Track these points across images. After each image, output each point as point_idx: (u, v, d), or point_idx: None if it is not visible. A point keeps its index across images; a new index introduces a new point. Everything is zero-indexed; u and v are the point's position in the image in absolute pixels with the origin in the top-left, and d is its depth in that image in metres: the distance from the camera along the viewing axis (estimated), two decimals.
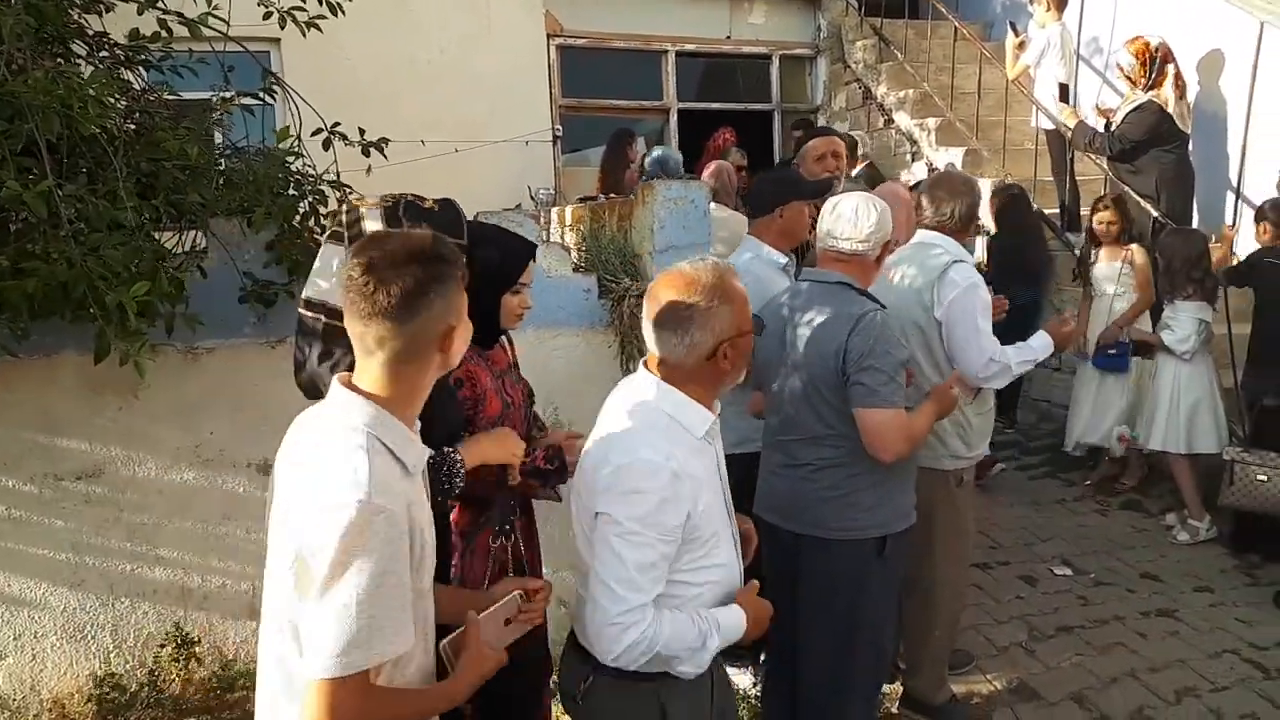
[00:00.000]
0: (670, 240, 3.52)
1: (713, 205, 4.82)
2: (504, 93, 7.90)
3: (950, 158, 7.40)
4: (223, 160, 3.32)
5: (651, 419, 1.87)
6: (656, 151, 7.26)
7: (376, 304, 1.47)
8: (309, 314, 2.07)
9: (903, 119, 8.02)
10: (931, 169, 7.61)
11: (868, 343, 2.52)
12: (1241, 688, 3.45)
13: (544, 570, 2.88)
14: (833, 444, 2.62)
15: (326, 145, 3.72)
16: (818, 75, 9.18)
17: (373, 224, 2.02)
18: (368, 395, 1.55)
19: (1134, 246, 5.27)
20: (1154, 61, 5.52)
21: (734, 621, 1.93)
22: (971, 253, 3.45)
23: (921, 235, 3.29)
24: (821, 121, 9.06)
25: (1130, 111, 5.57)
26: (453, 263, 1.57)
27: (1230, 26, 6.21)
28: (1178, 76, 5.53)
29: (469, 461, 2.12)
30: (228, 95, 3.56)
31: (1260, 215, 4.86)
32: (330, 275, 2.05)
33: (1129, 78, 5.63)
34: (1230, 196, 6.29)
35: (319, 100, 7.55)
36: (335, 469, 1.46)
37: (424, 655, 1.67)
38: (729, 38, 8.82)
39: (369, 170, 6.76)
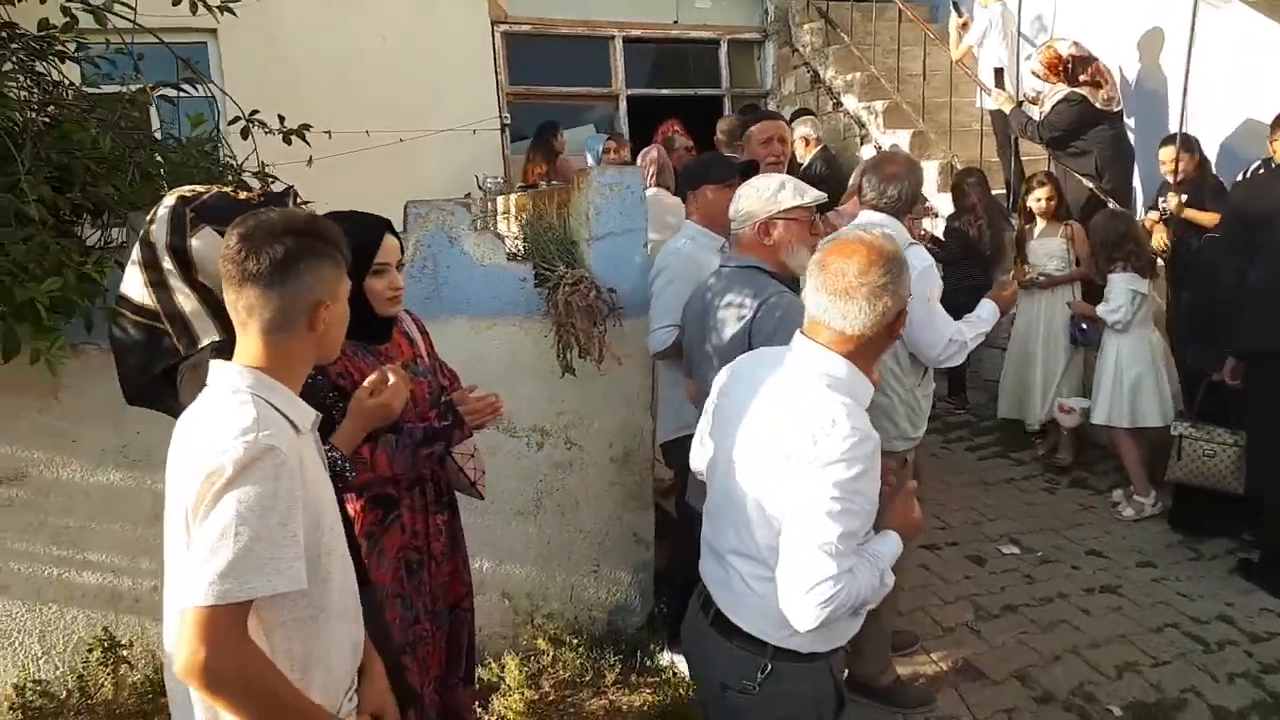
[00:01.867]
0: (607, 227, 3.48)
1: (657, 190, 4.81)
2: (450, 81, 7.81)
3: (898, 140, 7.41)
4: (141, 152, 3.21)
5: (841, 387, 1.84)
6: (595, 141, 7.24)
7: (246, 270, 1.51)
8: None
9: (851, 102, 8.03)
10: (880, 151, 7.63)
11: (770, 326, 2.51)
12: (1182, 661, 3.49)
13: (476, 566, 2.84)
14: None
15: (245, 134, 3.60)
16: (766, 59, 9.16)
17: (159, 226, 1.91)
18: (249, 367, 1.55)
19: (1073, 223, 5.33)
20: (1067, 69, 5.57)
21: (893, 547, 1.93)
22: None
23: (865, 216, 3.27)
24: (771, 106, 9.05)
25: (1058, 102, 5.62)
26: (329, 241, 1.59)
27: (1169, 4, 6.26)
28: (1095, 72, 5.58)
29: (346, 444, 2.06)
30: (144, 87, 3.43)
31: (1187, 147, 5.04)
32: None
33: (1046, 81, 5.70)
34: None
35: (259, 92, 7.39)
36: (221, 421, 1.45)
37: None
38: (676, 23, 8.78)
39: (310, 161, 6.65)
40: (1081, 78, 5.58)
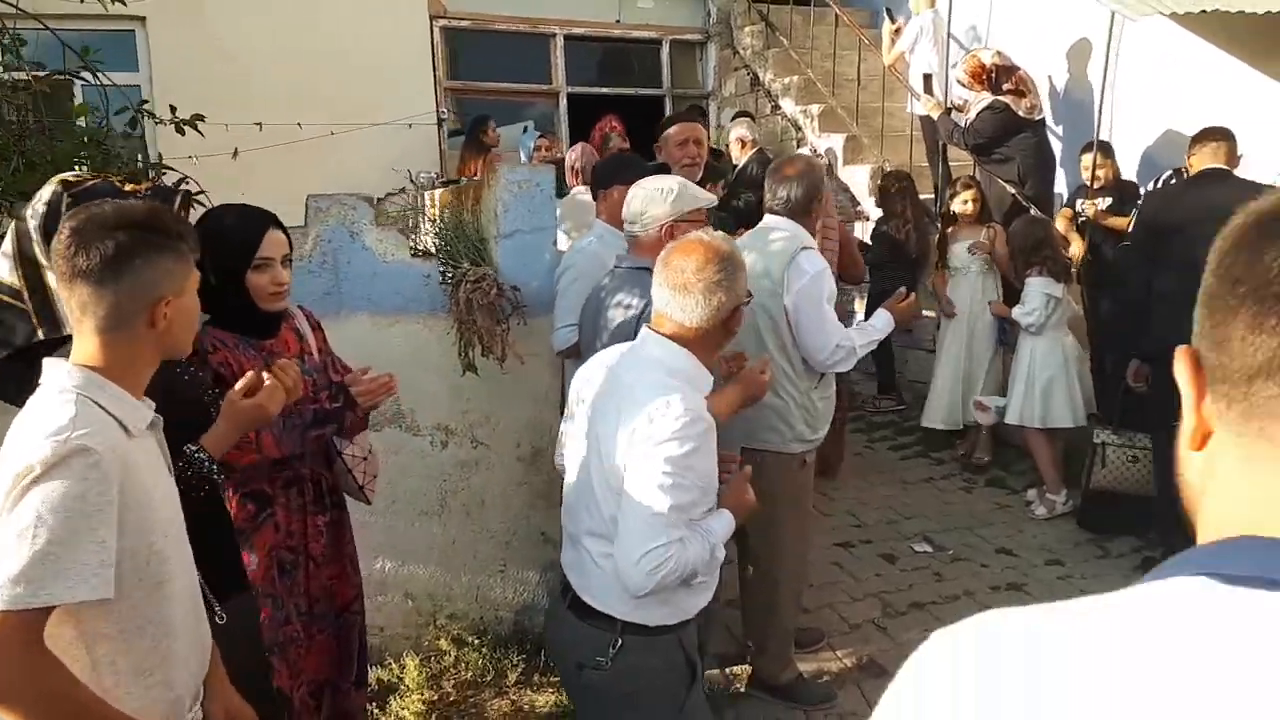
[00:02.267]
0: (515, 224, 3.46)
1: (584, 189, 4.80)
2: (386, 75, 7.75)
3: (832, 143, 7.48)
4: (28, 141, 3.14)
5: (680, 375, 1.97)
6: (529, 138, 7.21)
7: (76, 267, 1.46)
8: None
9: (788, 105, 8.08)
10: (815, 155, 7.69)
11: None
12: None
13: (366, 567, 2.81)
14: None
15: (133, 124, 3.53)
16: (708, 61, 9.19)
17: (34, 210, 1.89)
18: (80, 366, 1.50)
19: (995, 225, 5.43)
20: (991, 77, 5.68)
21: (726, 524, 2.07)
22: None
23: (765, 220, 3.30)
24: (713, 107, 9.09)
25: (982, 110, 5.72)
26: (169, 234, 1.54)
27: (1094, 16, 6.39)
28: (1018, 80, 5.69)
29: (217, 446, 2.03)
30: (30, 76, 3.35)
31: (1105, 153, 5.16)
32: None
33: (970, 89, 5.80)
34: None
35: (188, 82, 7.35)
36: (38, 420, 1.40)
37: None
38: (619, 22, 8.77)
39: (235, 153, 6.55)
40: (1005, 86, 5.68)
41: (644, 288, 2.63)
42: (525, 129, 8.09)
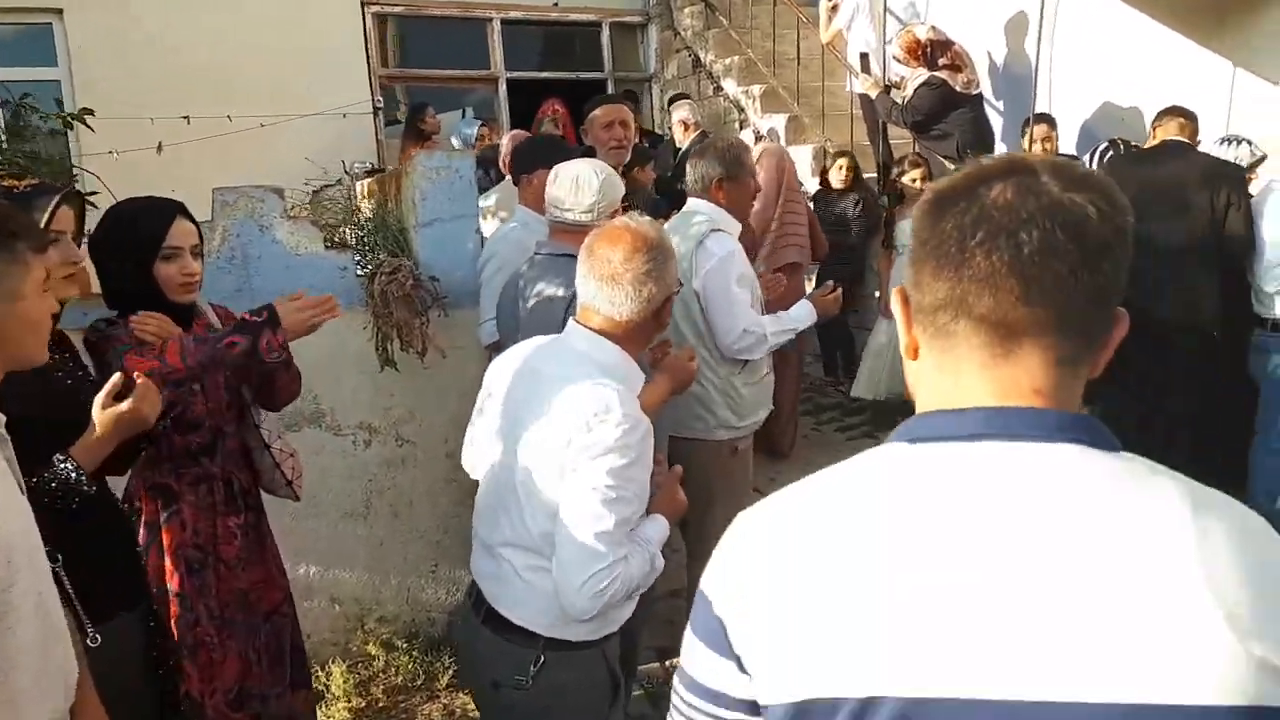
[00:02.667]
0: (435, 213, 3.35)
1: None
2: (318, 64, 7.53)
3: (774, 124, 7.40)
4: None
5: (613, 372, 1.85)
6: (466, 127, 7.06)
7: None
8: None
9: (730, 86, 7.99)
10: (758, 137, 7.62)
11: None
12: None
13: (290, 572, 2.69)
14: None
15: (15, 117, 3.36)
16: (649, 43, 9.06)
17: None
18: None
19: None
20: (926, 53, 5.63)
21: (661, 530, 1.96)
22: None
23: (688, 203, 3.23)
24: (655, 90, 8.98)
25: (918, 86, 5.67)
26: (3, 234, 1.42)
27: None
28: (954, 55, 5.65)
29: (89, 455, 1.90)
30: None
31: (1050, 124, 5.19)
32: None
33: (906, 64, 5.75)
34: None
35: (115, 76, 7.08)
36: None
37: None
38: (556, 4, 8.60)
39: (160, 148, 6.33)
40: (941, 61, 5.63)
41: (568, 276, 2.53)
42: (464, 114, 7.94)
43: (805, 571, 0.86)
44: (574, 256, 2.54)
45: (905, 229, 5.48)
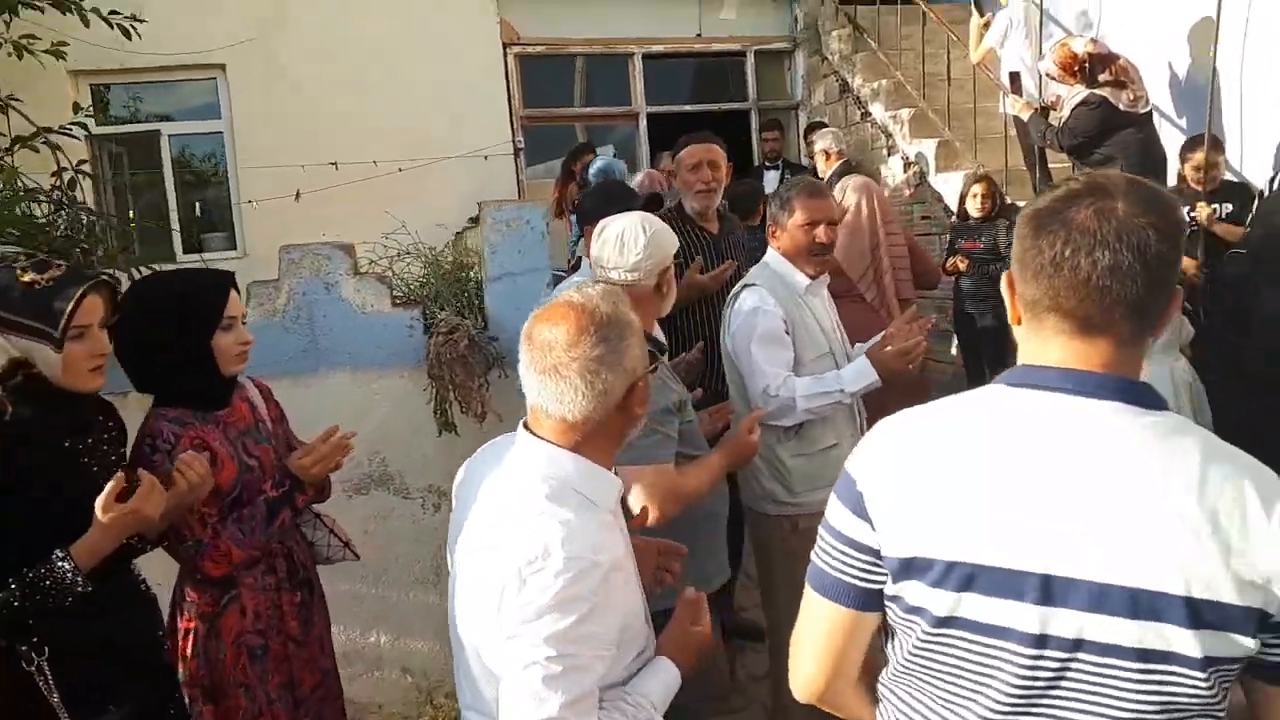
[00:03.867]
0: (505, 266, 3.19)
1: None
2: (459, 106, 7.66)
3: (924, 149, 6.91)
4: None
5: (565, 491, 1.50)
6: (599, 162, 6.92)
7: None
8: None
9: (877, 110, 7.55)
10: (907, 164, 7.15)
11: None
12: None
13: (359, 641, 2.58)
14: None
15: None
16: (796, 69, 8.73)
17: None
18: None
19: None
20: (1084, 69, 5.03)
21: (666, 681, 1.60)
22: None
23: (770, 253, 2.93)
24: (802, 117, 8.63)
25: (1076, 105, 5.08)
26: None
27: None
28: (1118, 70, 5.03)
29: (89, 553, 1.81)
30: None
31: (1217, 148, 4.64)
32: None
33: (1061, 82, 5.17)
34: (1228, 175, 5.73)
35: (268, 125, 7.44)
36: None
37: None
38: (699, 35, 8.43)
39: (298, 195, 6.55)
40: (1102, 77, 5.04)
41: None
42: (614, 154, 7.87)
43: (924, 466, 1.20)
44: None
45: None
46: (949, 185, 6.59)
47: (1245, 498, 1.08)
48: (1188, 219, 4.62)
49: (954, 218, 5.99)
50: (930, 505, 1.18)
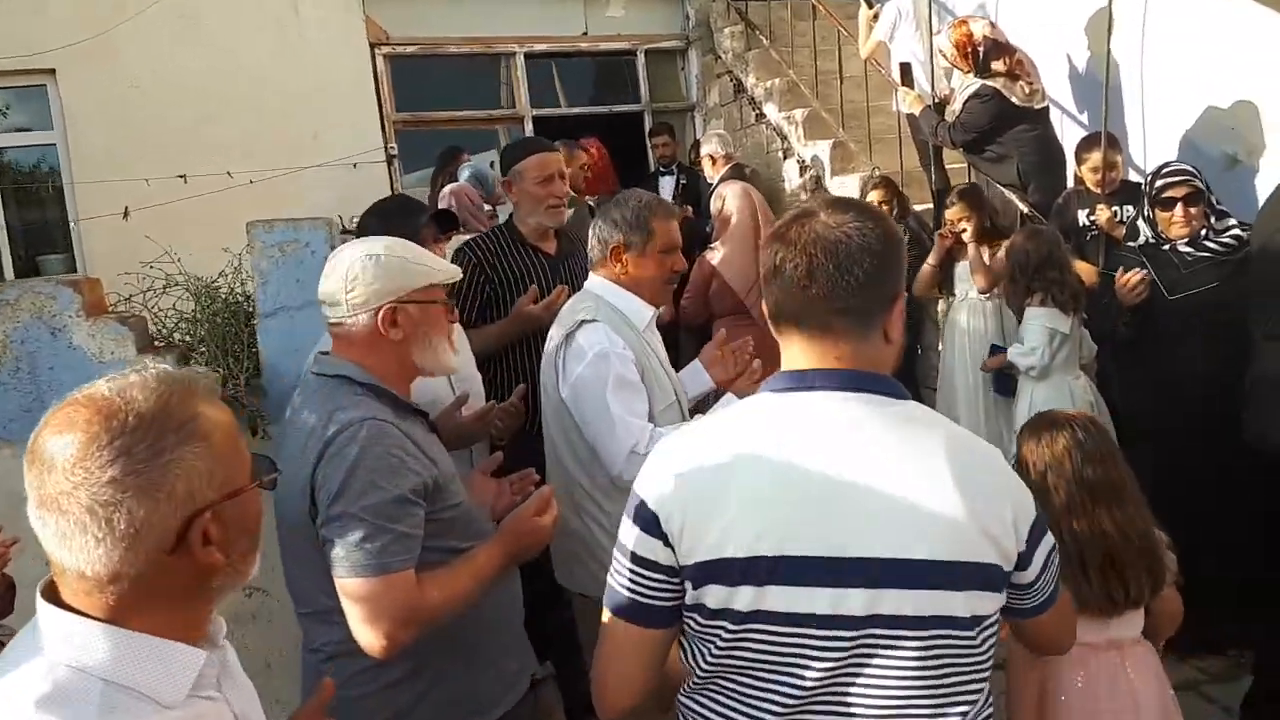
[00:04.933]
0: (279, 300, 2.65)
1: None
2: (323, 112, 7.06)
3: (818, 152, 6.51)
4: None
5: (72, 704, 0.98)
6: (467, 169, 6.40)
7: None
8: None
9: (771, 111, 7.14)
10: (802, 167, 6.74)
11: (339, 475, 1.65)
12: None
13: None
14: (342, 622, 1.73)
15: None
16: (691, 69, 8.30)
17: None
18: None
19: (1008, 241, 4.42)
20: (977, 53, 4.66)
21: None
22: None
23: (588, 281, 2.45)
24: (698, 119, 8.20)
25: (968, 98, 4.70)
26: None
27: None
28: (1014, 63, 4.67)
29: None
30: None
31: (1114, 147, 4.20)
32: None
33: (955, 66, 4.79)
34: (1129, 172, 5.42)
35: (109, 133, 6.72)
36: None
37: None
38: (586, 34, 7.95)
39: (125, 213, 5.87)
40: (995, 65, 4.65)
41: (329, 409, 1.78)
42: (492, 163, 7.31)
43: (709, 475, 1.29)
44: (345, 377, 1.82)
45: (964, 272, 4.53)
46: (846, 189, 6.18)
47: (980, 469, 1.29)
48: (1087, 222, 4.26)
49: None
50: (721, 509, 1.26)
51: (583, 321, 2.24)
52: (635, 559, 1.33)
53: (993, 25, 4.85)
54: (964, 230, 4.42)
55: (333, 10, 7.12)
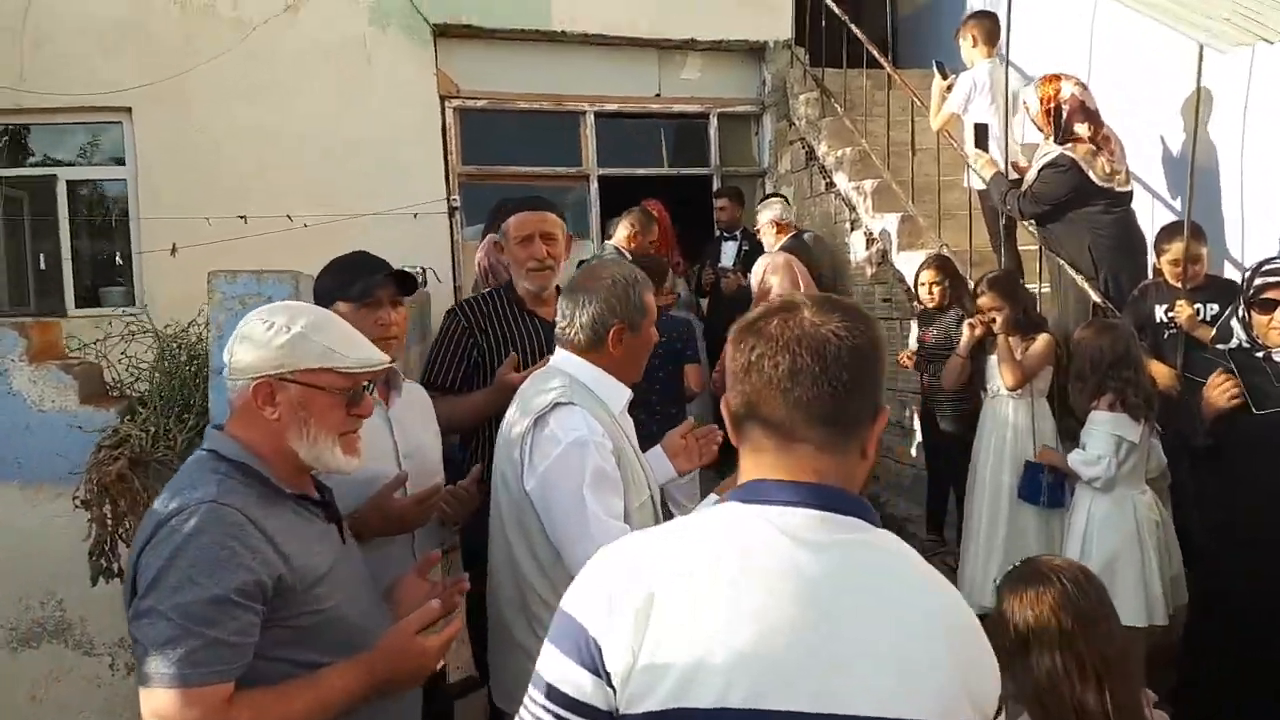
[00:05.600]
0: None
1: None
2: (388, 161, 7.06)
3: (885, 225, 6.20)
4: None
5: None
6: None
7: None
8: None
9: (841, 181, 6.85)
10: (869, 240, 6.42)
11: (157, 563, 1.44)
12: None
13: None
14: None
15: None
16: (764, 134, 8.08)
17: None
18: None
19: (1042, 336, 4.02)
20: (1059, 113, 4.29)
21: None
22: None
23: (554, 357, 2.19)
24: (769, 185, 7.95)
25: (1043, 167, 4.32)
26: None
27: (1211, 60, 4.93)
28: (1097, 133, 4.28)
29: None
30: None
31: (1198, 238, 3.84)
32: None
33: (1035, 124, 4.43)
34: (1225, 265, 4.95)
35: (176, 174, 6.84)
36: None
37: None
38: (659, 95, 7.82)
39: (174, 250, 5.88)
40: (1078, 129, 4.27)
41: (181, 489, 1.57)
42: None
43: (670, 601, 1.09)
44: (212, 451, 1.61)
45: (992, 367, 4.15)
46: (911, 265, 5.83)
47: (966, 628, 1.15)
48: (1165, 319, 3.85)
49: (916, 303, 5.24)
50: (684, 647, 1.08)
51: (557, 404, 1.99)
52: (558, 698, 1.11)
53: (1084, 88, 4.48)
54: (994, 320, 4.05)
55: (405, 62, 7.15)
